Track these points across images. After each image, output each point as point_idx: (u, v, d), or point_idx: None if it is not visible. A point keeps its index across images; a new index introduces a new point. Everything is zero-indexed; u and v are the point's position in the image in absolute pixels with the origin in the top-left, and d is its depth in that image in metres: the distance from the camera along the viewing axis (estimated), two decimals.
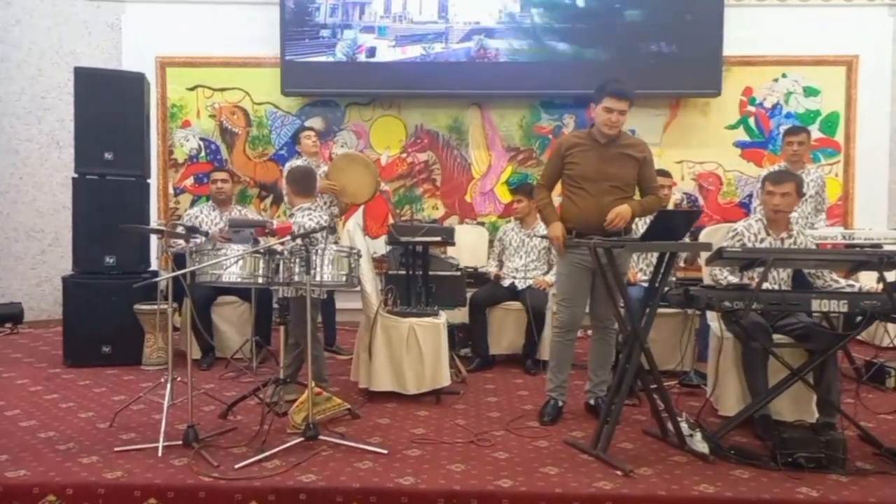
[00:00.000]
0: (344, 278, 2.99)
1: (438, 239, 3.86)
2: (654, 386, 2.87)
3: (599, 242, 2.76)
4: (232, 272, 2.84)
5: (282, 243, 2.96)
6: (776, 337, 3.02)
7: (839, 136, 5.69)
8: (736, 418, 2.86)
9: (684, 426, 2.82)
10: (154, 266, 4.61)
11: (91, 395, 3.56)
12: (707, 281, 3.30)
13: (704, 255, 3.30)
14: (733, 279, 3.13)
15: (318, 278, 2.90)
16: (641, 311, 2.86)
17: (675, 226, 2.70)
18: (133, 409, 3.20)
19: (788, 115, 5.69)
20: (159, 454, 2.65)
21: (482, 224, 5.69)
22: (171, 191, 5.82)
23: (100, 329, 4.16)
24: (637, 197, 3.21)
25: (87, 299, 4.18)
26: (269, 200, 5.80)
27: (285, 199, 4.29)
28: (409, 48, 5.52)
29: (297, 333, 3.31)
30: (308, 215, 3.41)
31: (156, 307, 4.05)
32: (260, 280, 2.93)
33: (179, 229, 3.67)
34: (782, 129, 5.57)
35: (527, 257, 4.49)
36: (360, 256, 3.12)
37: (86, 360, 4.14)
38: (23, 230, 5.61)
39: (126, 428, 3.01)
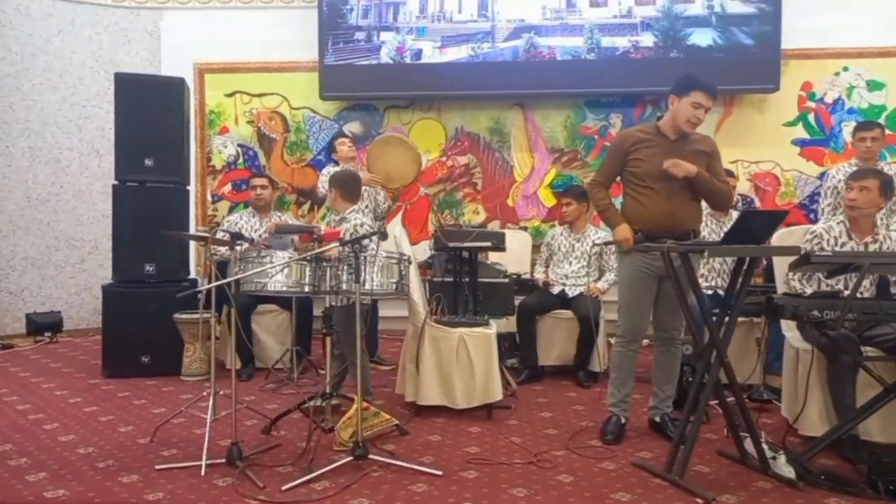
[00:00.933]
0: (394, 286, 2.83)
1: (489, 244, 3.66)
2: (731, 400, 2.63)
3: (674, 247, 2.53)
4: (277, 280, 2.69)
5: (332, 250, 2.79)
6: (864, 349, 2.75)
7: None
8: (825, 439, 2.59)
9: (766, 448, 2.57)
10: (193, 274, 4.52)
11: (131, 408, 3.45)
12: (783, 288, 3.04)
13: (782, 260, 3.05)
14: (808, 287, 2.87)
15: (367, 286, 2.73)
16: (715, 321, 2.62)
17: (756, 228, 2.45)
18: (174, 422, 3.08)
19: (851, 111, 5.35)
20: (202, 473, 2.51)
21: (525, 229, 5.48)
22: (209, 198, 5.75)
23: (139, 338, 4.07)
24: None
25: (127, 308, 4.11)
26: (306, 206, 5.69)
27: (328, 203, 4.16)
28: (456, 49, 5.33)
29: (342, 344, 3.15)
30: (363, 214, 3.27)
31: (196, 316, 3.95)
32: (306, 289, 2.77)
33: (222, 235, 3.55)
34: (844, 125, 5.30)
35: (576, 263, 4.28)
36: (409, 263, 2.96)
37: (125, 371, 4.06)
38: (63, 239, 5.59)
39: (167, 444, 2.88)
